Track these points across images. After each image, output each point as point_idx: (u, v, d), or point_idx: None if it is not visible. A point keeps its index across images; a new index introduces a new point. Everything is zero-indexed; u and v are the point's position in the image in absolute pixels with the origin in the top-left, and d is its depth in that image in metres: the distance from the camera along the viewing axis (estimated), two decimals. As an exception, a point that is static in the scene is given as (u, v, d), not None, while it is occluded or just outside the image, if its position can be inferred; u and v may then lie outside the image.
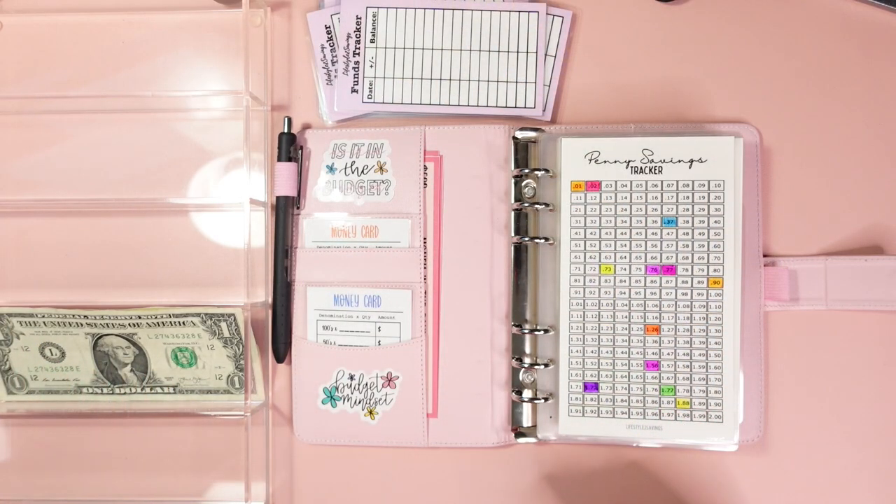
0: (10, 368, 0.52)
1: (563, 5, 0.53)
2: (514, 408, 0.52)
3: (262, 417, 0.53)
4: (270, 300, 0.53)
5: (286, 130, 0.53)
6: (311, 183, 0.53)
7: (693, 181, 0.49)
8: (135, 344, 0.51)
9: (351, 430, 0.52)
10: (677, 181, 0.49)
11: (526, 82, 0.52)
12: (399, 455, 0.53)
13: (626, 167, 0.50)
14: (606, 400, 0.50)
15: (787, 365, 0.51)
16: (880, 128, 0.52)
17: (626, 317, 0.50)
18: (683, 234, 0.49)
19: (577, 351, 0.50)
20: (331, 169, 0.53)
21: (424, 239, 0.52)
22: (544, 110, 0.52)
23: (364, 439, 0.52)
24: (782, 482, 0.51)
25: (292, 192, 0.52)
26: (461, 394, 0.52)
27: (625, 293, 0.50)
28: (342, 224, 0.53)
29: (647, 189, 0.50)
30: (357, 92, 0.53)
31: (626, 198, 0.50)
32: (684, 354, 0.49)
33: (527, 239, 0.51)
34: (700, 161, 0.49)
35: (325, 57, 0.53)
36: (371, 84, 0.53)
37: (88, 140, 0.54)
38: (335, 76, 0.53)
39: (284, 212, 0.52)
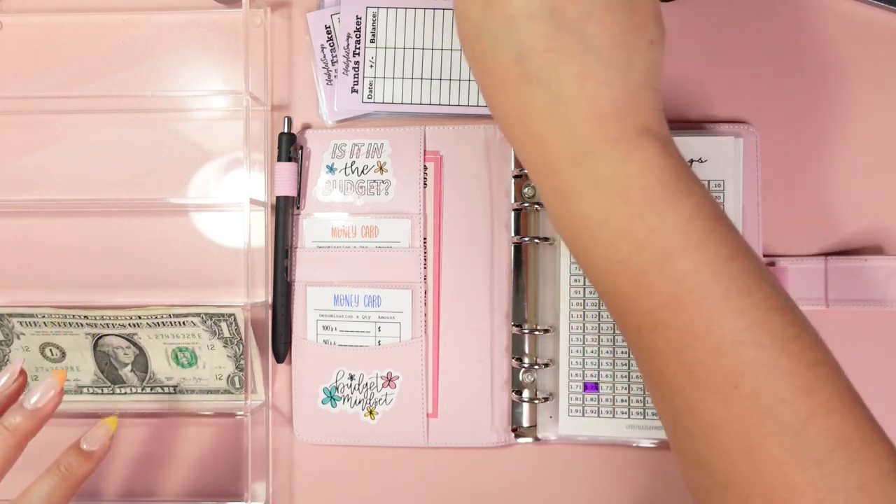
0: None
1: (563, 5, 0.53)
2: (514, 408, 0.52)
3: (262, 417, 0.53)
4: (270, 300, 0.53)
5: (286, 130, 0.53)
6: (311, 183, 0.53)
7: (693, 181, 0.49)
8: (135, 344, 0.51)
9: (351, 430, 0.52)
10: (677, 181, 0.49)
11: (526, 82, 0.52)
12: (399, 455, 0.53)
13: (626, 167, 0.50)
14: (606, 400, 0.50)
15: (787, 365, 0.51)
16: (880, 128, 0.52)
17: (626, 317, 0.50)
18: (683, 234, 0.49)
19: (577, 351, 0.50)
20: (331, 169, 0.53)
21: (424, 239, 0.52)
22: (544, 110, 0.52)
23: (364, 439, 0.52)
24: (782, 482, 0.51)
25: (292, 192, 0.52)
26: (461, 394, 0.52)
27: (625, 293, 0.50)
28: (342, 224, 0.53)
29: (647, 189, 0.49)
30: (357, 92, 0.53)
31: (626, 198, 0.50)
32: (684, 354, 0.49)
33: (527, 239, 0.51)
34: (700, 161, 0.49)
35: (325, 57, 0.53)
36: (371, 84, 0.53)
37: (88, 140, 0.54)
38: (335, 76, 0.53)
39: (284, 212, 0.52)
